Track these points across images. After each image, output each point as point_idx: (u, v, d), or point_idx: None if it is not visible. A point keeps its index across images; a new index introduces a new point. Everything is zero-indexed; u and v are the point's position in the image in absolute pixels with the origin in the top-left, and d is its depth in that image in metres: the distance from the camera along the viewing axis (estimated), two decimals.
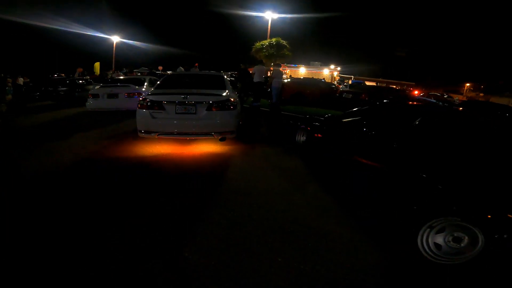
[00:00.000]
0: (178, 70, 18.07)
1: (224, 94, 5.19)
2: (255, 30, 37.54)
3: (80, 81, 13.20)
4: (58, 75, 23.35)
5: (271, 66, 29.99)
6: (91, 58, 30.51)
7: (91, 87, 12.23)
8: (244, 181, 3.98)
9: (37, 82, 14.37)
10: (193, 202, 3.34)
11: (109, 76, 21.85)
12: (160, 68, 22.86)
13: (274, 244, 2.59)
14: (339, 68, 40.19)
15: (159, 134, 4.84)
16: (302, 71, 39.98)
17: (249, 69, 12.16)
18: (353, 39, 46.15)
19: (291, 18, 33.43)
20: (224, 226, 2.84)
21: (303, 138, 5.77)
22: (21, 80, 15.00)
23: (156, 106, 4.79)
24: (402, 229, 2.81)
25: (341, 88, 18.15)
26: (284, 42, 26.32)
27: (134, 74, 22.77)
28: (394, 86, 32.67)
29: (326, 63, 40.26)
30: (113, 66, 35.64)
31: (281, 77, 11.05)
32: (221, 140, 5.23)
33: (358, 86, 15.26)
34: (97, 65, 26.36)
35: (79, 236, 2.57)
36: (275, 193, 3.64)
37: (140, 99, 5.02)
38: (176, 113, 4.83)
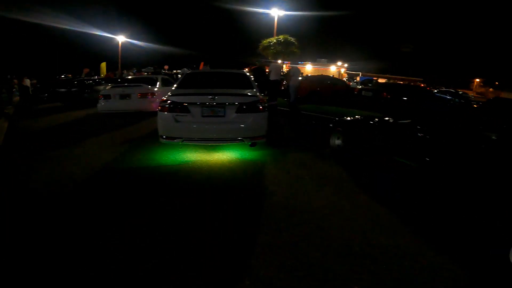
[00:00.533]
0: (182, 71, 17.36)
1: (253, 94, 4.61)
2: (261, 28, 36.84)
3: (88, 82, 12.69)
4: (65, 76, 22.96)
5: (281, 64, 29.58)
6: (97, 58, 30.13)
7: (101, 87, 11.71)
8: (286, 193, 3.42)
9: (44, 83, 13.89)
10: (235, 221, 2.80)
11: (118, 76, 21.44)
12: (166, 67, 22.30)
13: (347, 270, 2.08)
14: (346, 65, 39.42)
15: (183, 140, 4.26)
16: (308, 68, 39.28)
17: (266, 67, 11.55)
18: (359, 36, 45.22)
19: (297, 16, 32.71)
20: (279, 250, 2.30)
21: (338, 142, 5.19)
22: (27, 82, 14.54)
23: (179, 108, 4.21)
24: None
25: (351, 85, 17.51)
26: (292, 39, 25.61)
27: (142, 74, 22.32)
28: (401, 82, 31.88)
29: (333, 60, 39.49)
30: (119, 66, 35.26)
31: (299, 75, 10.44)
32: (251, 145, 4.64)
33: (374, 83, 14.59)
34: (103, 65, 25.91)
35: None
36: (324, 207, 3.10)
37: (163, 99, 4.40)
38: (202, 116, 4.26)
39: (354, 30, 43.94)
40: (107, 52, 37.04)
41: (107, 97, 8.09)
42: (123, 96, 8.05)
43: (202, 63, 35.22)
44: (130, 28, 38.95)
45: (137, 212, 2.92)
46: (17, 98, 14.07)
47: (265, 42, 27.55)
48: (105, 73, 25.06)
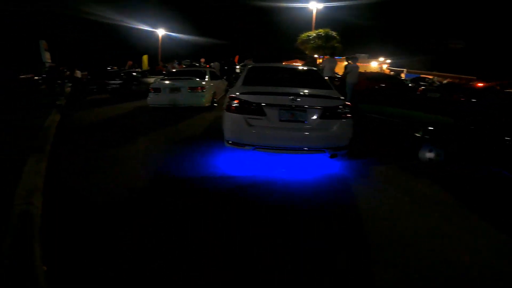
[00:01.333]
0: (213, 65, 16.62)
1: (337, 96, 3.78)
2: (297, 22, 35.41)
3: (135, 74, 12.58)
4: (111, 68, 23.61)
5: (318, 58, 28.00)
6: (139, 51, 30.76)
7: (151, 80, 11.52)
8: (385, 217, 2.75)
9: (94, 75, 14.04)
10: (331, 253, 2.14)
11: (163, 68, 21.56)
12: (202, 60, 21.98)
13: None
14: (388, 61, 36.79)
15: (256, 148, 3.57)
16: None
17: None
18: (402, 29, 41.80)
19: (335, 8, 30.86)
20: None
21: (430, 155, 4.23)
22: (78, 73, 14.88)
23: (253, 109, 3.50)
24: None
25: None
26: (333, 33, 24.05)
27: (181, 66, 22.23)
28: (457, 81, 28.86)
29: (374, 55, 37.02)
30: (159, 59, 35.85)
31: (357, 72, 9.37)
32: (331, 157, 3.83)
33: (430, 83, 12.96)
34: (145, 58, 26.35)
35: None
36: (433, 235, 2.50)
37: (231, 96, 3.72)
38: (280, 120, 3.53)
39: (397, 23, 40.68)
40: (148, 45, 37.85)
41: (157, 90, 7.68)
42: (173, 90, 7.60)
43: (237, 57, 34.71)
44: (169, 21, 39.35)
45: (205, 242, 2.26)
46: (68, 89, 14.42)
47: (304, 36, 26.21)
48: (147, 65, 25.47)
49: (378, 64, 37.30)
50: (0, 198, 2.80)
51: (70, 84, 15.65)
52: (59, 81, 13.23)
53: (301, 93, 3.58)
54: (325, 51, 24.52)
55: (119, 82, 11.10)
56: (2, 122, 6.57)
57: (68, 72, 16.02)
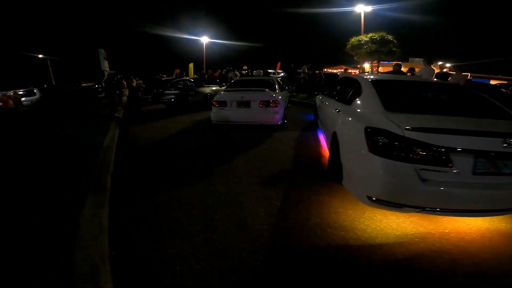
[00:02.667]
0: (255, 73, 15.25)
1: None
2: (343, 26, 33.22)
3: (190, 83, 11.89)
4: (160, 76, 23.78)
5: (368, 63, 25.57)
6: (184, 59, 31.10)
7: (206, 90, 10.68)
8: None
9: (149, 84, 13.69)
10: None
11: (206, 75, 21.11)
12: (245, 67, 21.06)
13: None
14: (448, 65, 32.92)
15: (424, 210, 2.21)
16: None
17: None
18: (460, 31, 37.37)
19: (386, 10, 28.19)
20: None
21: None
22: (135, 82, 14.77)
23: (433, 156, 2.12)
24: None
25: None
26: (390, 37, 21.67)
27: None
28: None
29: (432, 59, 33.31)
30: (204, 67, 36.02)
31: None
32: None
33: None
34: (191, 66, 26.22)
35: None
36: None
37: (376, 129, 2.37)
38: (474, 173, 2.13)
39: (453, 26, 36.42)
40: (193, 53, 38.40)
41: (222, 104, 6.60)
42: (242, 104, 6.46)
43: (279, 63, 33.27)
44: (213, 29, 39.60)
45: None
46: (125, 99, 14.29)
47: (354, 40, 24.07)
48: (192, 73, 25.33)
49: (436, 70, 33.50)
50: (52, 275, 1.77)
51: (127, 93, 15.69)
52: (118, 91, 13.07)
53: (502, 131, 2.12)
54: (381, 56, 22.26)
55: (175, 92, 10.39)
56: (63, 139, 5.97)
57: (125, 81, 16.06)
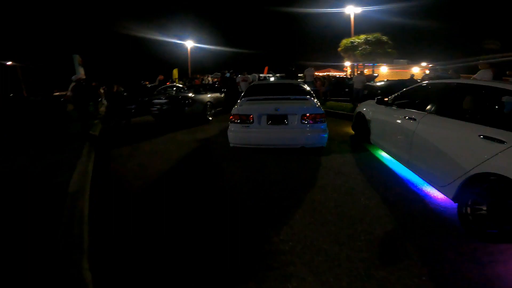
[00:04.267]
0: (251, 77, 13.21)
1: None
2: (333, 28, 31.94)
3: (182, 90, 9.56)
4: (142, 83, 21.00)
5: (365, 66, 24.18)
6: (169, 65, 28.25)
7: (206, 98, 8.41)
8: None
9: (132, 92, 11.17)
10: None
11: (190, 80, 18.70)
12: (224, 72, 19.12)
13: None
14: (430, 66, 32.47)
15: None
16: (383, 71, 33.15)
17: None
18: (444, 33, 37.26)
19: (375, 12, 27.16)
20: None
21: None
22: (115, 88, 12.19)
23: None
24: None
25: None
26: (385, 38, 20.36)
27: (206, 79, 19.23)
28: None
29: (415, 61, 32.80)
30: (189, 72, 33.31)
31: None
32: None
33: None
34: (175, 71, 23.57)
35: None
36: None
37: None
38: None
39: (438, 27, 36.23)
40: (177, 58, 35.57)
41: (245, 119, 4.35)
42: (275, 119, 4.30)
43: (266, 68, 31.35)
44: (198, 33, 37.02)
45: None
46: (102, 109, 11.65)
47: (347, 42, 22.64)
48: (177, 77, 22.74)
49: (420, 70, 32.98)
50: None
51: (105, 103, 13.00)
52: (92, 101, 10.47)
53: None
54: (376, 58, 20.91)
55: (166, 101, 8.02)
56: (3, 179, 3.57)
57: (103, 88, 13.36)
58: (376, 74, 14.55)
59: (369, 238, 2.35)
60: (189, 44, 34.57)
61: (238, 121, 4.34)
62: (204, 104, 8.16)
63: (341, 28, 26.99)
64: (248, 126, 4.31)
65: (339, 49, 23.94)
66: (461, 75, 8.04)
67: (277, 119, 4.29)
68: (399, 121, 3.83)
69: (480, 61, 6.46)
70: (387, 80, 12.95)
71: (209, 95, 8.66)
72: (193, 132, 6.73)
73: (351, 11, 24.14)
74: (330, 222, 2.63)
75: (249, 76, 10.80)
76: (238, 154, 4.75)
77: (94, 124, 8.50)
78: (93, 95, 12.00)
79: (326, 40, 33.89)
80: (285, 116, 4.27)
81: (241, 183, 3.62)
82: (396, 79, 17.10)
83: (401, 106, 4.02)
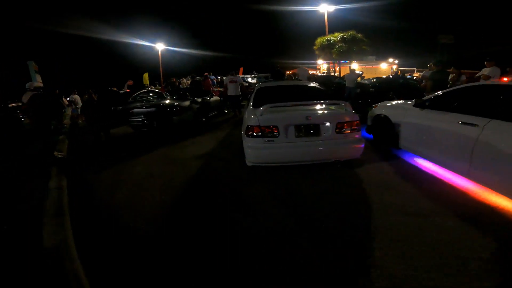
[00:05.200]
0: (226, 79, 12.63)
1: None
2: (305, 26, 31.86)
3: (165, 96, 8.30)
4: (110, 89, 18.80)
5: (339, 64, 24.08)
6: (137, 69, 26.03)
7: (195, 105, 7.27)
8: None
9: (101, 99, 9.56)
10: None
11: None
12: (207, 74, 17.93)
13: None
14: (397, 61, 33.74)
15: None
16: (354, 68, 33.90)
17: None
18: (410, 29, 38.85)
19: (347, 10, 27.43)
20: None
21: None
22: (78, 98, 10.48)
23: None
24: None
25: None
26: (360, 36, 20.47)
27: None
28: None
29: (383, 57, 33.78)
30: (161, 76, 31.09)
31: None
32: None
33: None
34: (146, 76, 21.67)
35: None
36: None
37: None
38: None
39: (401, 24, 37.77)
40: (147, 62, 33.19)
41: (268, 132, 3.37)
42: (305, 130, 3.40)
43: (241, 69, 30.52)
44: (169, 35, 34.91)
45: None
46: (67, 122, 9.93)
47: (323, 40, 22.52)
48: (148, 84, 20.88)
49: (388, 66, 34.08)
50: None
51: (69, 113, 11.16)
52: (55, 114, 8.77)
53: None
54: (352, 55, 20.95)
55: (149, 110, 6.76)
56: None
57: (66, 100, 11.51)
58: (360, 72, 14.19)
59: None
60: (160, 46, 32.38)
61: (259, 134, 3.37)
62: (194, 111, 7.02)
63: (314, 27, 26.88)
64: (272, 141, 3.36)
65: (315, 47, 23.77)
66: (462, 71, 7.76)
67: (307, 130, 3.40)
68: (449, 126, 3.20)
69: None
70: (377, 77, 12.72)
71: (197, 100, 7.52)
72: (187, 146, 5.60)
73: (325, 9, 23.98)
74: (422, 256, 1.85)
75: (239, 76, 9.48)
76: (255, 173, 3.78)
77: (59, 141, 6.96)
78: (56, 105, 10.23)
79: (300, 39, 33.80)
80: (316, 126, 3.40)
81: (271, 216, 2.68)
82: (371, 76, 17.20)
83: (447, 109, 3.38)
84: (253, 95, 4.35)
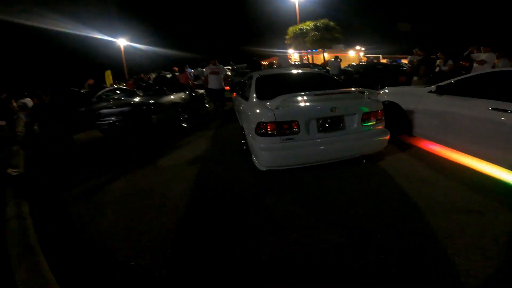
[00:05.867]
0: (196, 71, 12.24)
1: None
2: (274, 16, 31.25)
3: (135, 93, 7.27)
4: (72, 89, 16.63)
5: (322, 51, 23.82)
6: (97, 67, 23.47)
7: (177, 99, 6.41)
8: None
9: (58, 101, 8.23)
10: None
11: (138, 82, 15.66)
12: (176, 69, 16.82)
13: None
14: (363, 49, 34.71)
15: None
16: (325, 56, 34.33)
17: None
18: (374, 17, 39.88)
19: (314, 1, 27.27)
20: None
21: None
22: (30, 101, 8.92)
23: None
24: None
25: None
26: (332, 24, 20.39)
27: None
28: None
29: (350, 45, 34.50)
30: (126, 73, 28.58)
31: None
32: None
33: None
34: (108, 73, 19.64)
35: None
36: None
37: None
38: None
39: (369, 12, 38.65)
40: (107, 58, 30.28)
41: (286, 128, 2.76)
42: (329, 123, 2.88)
43: (211, 62, 29.23)
44: (132, 30, 32.12)
45: None
46: (21, 129, 8.41)
47: (295, 29, 22.16)
48: (111, 82, 18.93)
49: (355, 53, 34.89)
50: None
51: (22, 117, 9.52)
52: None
53: None
54: (326, 44, 20.87)
55: (122, 110, 5.79)
56: None
57: (15, 105, 9.80)
58: (340, 59, 14.06)
59: None
60: (122, 42, 29.68)
61: (275, 132, 2.76)
62: (175, 108, 6.17)
63: (284, 17, 26.36)
64: (292, 139, 2.78)
65: (287, 36, 23.35)
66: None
67: (332, 124, 2.88)
68: (478, 113, 2.93)
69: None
70: (357, 64, 12.62)
71: (173, 96, 6.63)
72: (175, 150, 4.81)
73: None
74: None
75: (222, 67, 8.24)
76: (263, 175, 3.20)
77: (13, 153, 5.73)
78: (4, 111, 8.66)
79: (272, 28, 33.14)
80: (341, 118, 2.89)
81: (312, 234, 2.14)
82: (342, 64, 17.29)
83: (472, 95, 3.13)
84: (252, 85, 3.71)
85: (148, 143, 5.33)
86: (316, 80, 3.85)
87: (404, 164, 3.33)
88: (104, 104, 6.54)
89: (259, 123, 2.80)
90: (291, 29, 22.40)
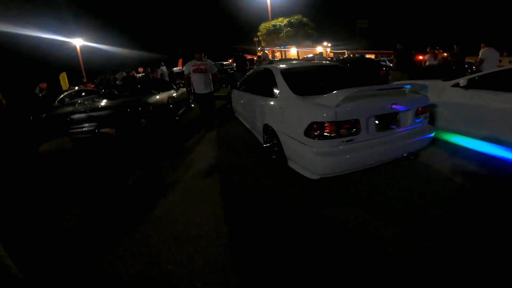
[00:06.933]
0: (160, 70, 12.07)
1: None
2: (243, 13, 30.51)
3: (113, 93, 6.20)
4: (29, 92, 14.16)
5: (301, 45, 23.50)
6: (51, 69, 20.62)
7: (164, 98, 5.51)
8: None
9: (14, 106, 6.79)
10: None
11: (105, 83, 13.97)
12: (141, 69, 15.60)
13: None
14: (330, 45, 35.64)
15: None
16: (293, 52, 34.70)
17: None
18: (339, 14, 41.05)
19: None
20: None
21: None
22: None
23: None
24: None
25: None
26: (305, 20, 20.35)
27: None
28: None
29: (317, 41, 35.20)
30: (84, 75, 25.73)
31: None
32: None
33: None
34: (63, 75, 17.32)
35: None
36: None
37: None
38: None
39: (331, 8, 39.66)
40: (62, 60, 27.05)
41: (347, 128, 2.23)
42: (389, 120, 2.42)
43: (180, 60, 27.93)
44: (90, 30, 29.08)
45: None
46: None
47: (268, 26, 21.75)
48: (67, 85, 16.71)
49: (323, 49, 35.67)
50: None
51: None
52: None
53: None
54: (299, 40, 20.76)
55: (101, 114, 4.77)
56: None
57: None
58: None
59: None
60: (78, 42, 26.74)
61: (334, 133, 2.21)
62: (167, 108, 5.29)
63: (253, 14, 25.79)
64: (352, 140, 2.26)
65: (259, 33, 22.86)
66: (436, 51, 7.88)
67: (389, 121, 2.44)
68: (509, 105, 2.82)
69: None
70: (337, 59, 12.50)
71: (161, 95, 5.71)
72: (177, 158, 4.01)
73: None
74: None
75: (210, 62, 6.13)
76: (300, 184, 2.65)
77: None
78: None
79: (244, 25, 32.34)
80: (397, 115, 2.47)
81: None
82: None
83: (500, 89, 3.02)
84: (279, 80, 3.09)
85: (141, 153, 4.43)
86: (345, 74, 3.41)
87: (442, 159, 3.15)
88: (76, 108, 5.42)
89: (312, 124, 2.22)
90: (263, 26, 21.95)
